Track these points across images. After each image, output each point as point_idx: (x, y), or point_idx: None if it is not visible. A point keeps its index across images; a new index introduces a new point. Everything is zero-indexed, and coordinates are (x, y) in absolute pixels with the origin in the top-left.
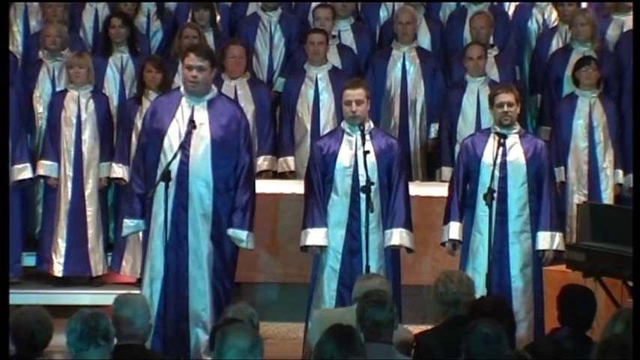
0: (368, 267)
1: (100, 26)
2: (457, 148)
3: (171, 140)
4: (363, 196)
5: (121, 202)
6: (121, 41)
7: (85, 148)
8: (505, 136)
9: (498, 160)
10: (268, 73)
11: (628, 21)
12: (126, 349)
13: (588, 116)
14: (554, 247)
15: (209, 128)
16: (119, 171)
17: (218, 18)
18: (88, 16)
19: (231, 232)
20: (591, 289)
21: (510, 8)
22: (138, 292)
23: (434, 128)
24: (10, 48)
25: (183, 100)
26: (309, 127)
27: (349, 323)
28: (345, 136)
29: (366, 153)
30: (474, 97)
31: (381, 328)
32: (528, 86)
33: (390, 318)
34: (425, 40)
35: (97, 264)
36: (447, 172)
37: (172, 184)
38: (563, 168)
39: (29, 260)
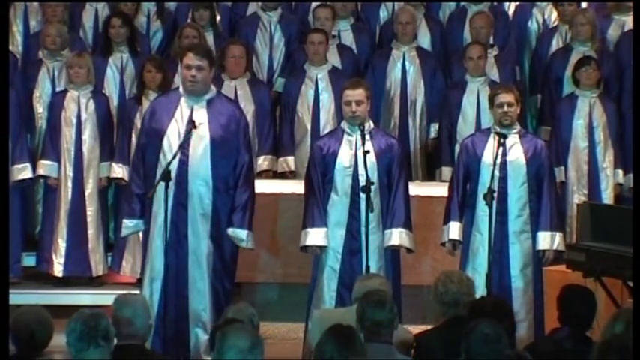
0: (368, 267)
1: (100, 26)
2: (457, 148)
3: (171, 140)
4: (363, 196)
5: (121, 202)
6: (121, 41)
7: (85, 148)
8: (505, 136)
9: (498, 160)
10: (268, 73)
11: (629, 21)
12: (126, 349)
13: (588, 116)
14: (555, 247)
15: (208, 128)
16: (119, 171)
17: (218, 18)
18: (88, 16)
19: (231, 231)
20: (591, 289)
21: (510, 8)
22: (138, 292)
23: (434, 128)
24: (10, 48)
25: (182, 100)
26: (309, 127)
27: (349, 323)
28: (345, 136)
29: (366, 153)
30: (474, 97)
31: (381, 328)
32: (528, 86)
33: (390, 318)
34: (425, 40)
35: (97, 264)
36: (447, 172)
37: (172, 184)
38: (563, 168)
39: (29, 260)
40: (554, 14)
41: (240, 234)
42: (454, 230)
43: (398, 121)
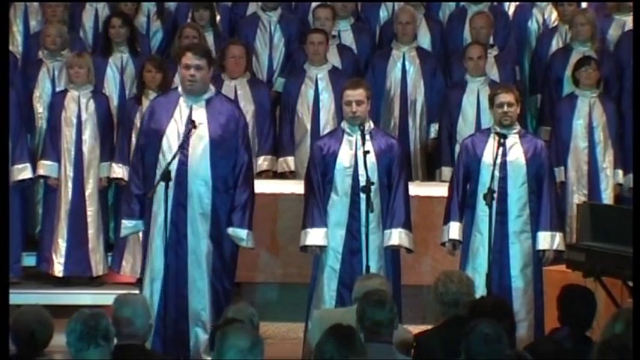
0: (368, 267)
1: (100, 26)
2: (457, 148)
3: (170, 140)
4: (363, 196)
5: (121, 202)
6: (121, 41)
7: (85, 148)
8: (505, 136)
9: (498, 160)
10: (268, 73)
11: (629, 21)
12: (126, 349)
13: (588, 116)
14: (555, 247)
15: (207, 128)
16: (119, 171)
17: (218, 18)
18: (88, 16)
19: (231, 231)
20: (591, 289)
21: (510, 8)
22: (138, 292)
23: (434, 128)
24: (10, 48)
25: (181, 99)
26: (309, 127)
27: (349, 323)
28: (345, 136)
29: (366, 153)
30: (473, 97)
31: (381, 328)
32: (528, 86)
33: (390, 318)
34: (425, 40)
35: (98, 264)
36: (446, 172)
37: (171, 184)
38: (563, 168)
39: (29, 260)
40: (554, 14)
41: (240, 233)
42: (454, 230)
43: (398, 121)
